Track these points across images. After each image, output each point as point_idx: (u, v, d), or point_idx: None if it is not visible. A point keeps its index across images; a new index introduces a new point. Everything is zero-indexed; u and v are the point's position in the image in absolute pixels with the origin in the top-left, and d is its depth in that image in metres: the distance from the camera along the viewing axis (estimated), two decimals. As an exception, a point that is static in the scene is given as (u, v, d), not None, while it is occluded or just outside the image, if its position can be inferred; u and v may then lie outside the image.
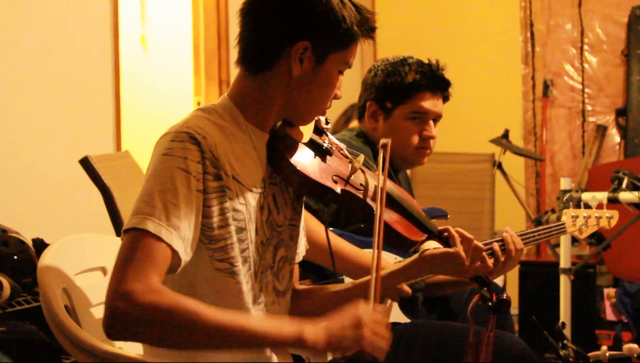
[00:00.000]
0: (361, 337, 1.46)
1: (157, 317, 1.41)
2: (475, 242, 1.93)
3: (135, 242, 1.46)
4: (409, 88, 2.49)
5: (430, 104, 2.51)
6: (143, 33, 4.53)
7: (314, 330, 1.47)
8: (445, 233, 1.89)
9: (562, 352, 1.78)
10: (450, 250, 1.89)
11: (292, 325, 1.48)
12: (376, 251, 1.61)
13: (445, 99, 2.57)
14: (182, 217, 1.50)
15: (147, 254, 1.45)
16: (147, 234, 1.46)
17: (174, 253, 1.49)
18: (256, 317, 1.58)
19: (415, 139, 2.53)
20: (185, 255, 1.52)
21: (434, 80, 2.51)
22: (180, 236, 1.49)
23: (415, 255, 1.89)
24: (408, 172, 2.82)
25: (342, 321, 1.48)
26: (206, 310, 1.44)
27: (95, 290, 1.80)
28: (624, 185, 3.34)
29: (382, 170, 1.75)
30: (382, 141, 1.84)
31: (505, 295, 1.95)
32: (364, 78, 2.60)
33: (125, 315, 1.40)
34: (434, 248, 1.89)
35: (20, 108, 3.12)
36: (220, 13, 4.67)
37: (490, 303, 1.94)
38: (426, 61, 2.53)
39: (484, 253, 1.96)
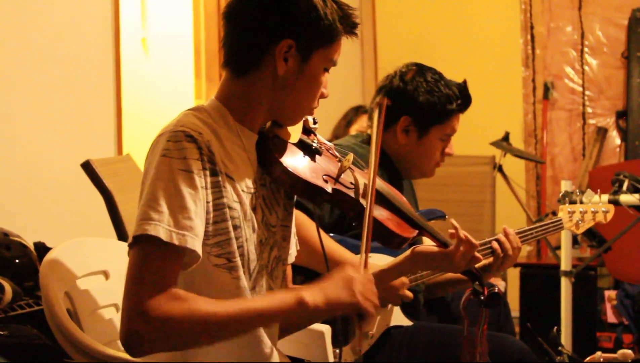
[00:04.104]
0: (354, 293, 1.57)
1: (174, 329, 1.46)
2: (471, 239, 1.97)
3: (148, 253, 1.48)
4: (451, 111, 2.57)
5: (457, 124, 2.62)
6: (144, 36, 4.53)
7: (311, 293, 1.56)
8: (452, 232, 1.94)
9: (557, 358, 1.80)
10: (444, 250, 1.94)
11: (290, 293, 1.56)
12: (367, 218, 1.69)
13: None
14: (193, 216, 1.51)
15: (161, 265, 1.48)
16: (159, 242, 1.47)
17: (189, 252, 1.51)
18: (257, 297, 1.65)
19: (438, 156, 2.61)
20: (201, 251, 1.54)
21: (465, 103, 2.60)
22: (194, 234, 1.51)
23: (407, 251, 1.90)
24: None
25: (335, 282, 1.59)
26: (214, 306, 1.50)
27: (97, 294, 1.81)
28: (624, 187, 3.34)
29: (378, 126, 1.83)
30: (378, 99, 1.90)
31: (496, 288, 1.98)
32: (395, 85, 2.53)
33: (146, 335, 1.44)
34: (426, 245, 1.92)
35: (21, 111, 3.12)
36: (221, 16, 4.67)
37: (482, 297, 1.97)
38: (450, 77, 2.60)
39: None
